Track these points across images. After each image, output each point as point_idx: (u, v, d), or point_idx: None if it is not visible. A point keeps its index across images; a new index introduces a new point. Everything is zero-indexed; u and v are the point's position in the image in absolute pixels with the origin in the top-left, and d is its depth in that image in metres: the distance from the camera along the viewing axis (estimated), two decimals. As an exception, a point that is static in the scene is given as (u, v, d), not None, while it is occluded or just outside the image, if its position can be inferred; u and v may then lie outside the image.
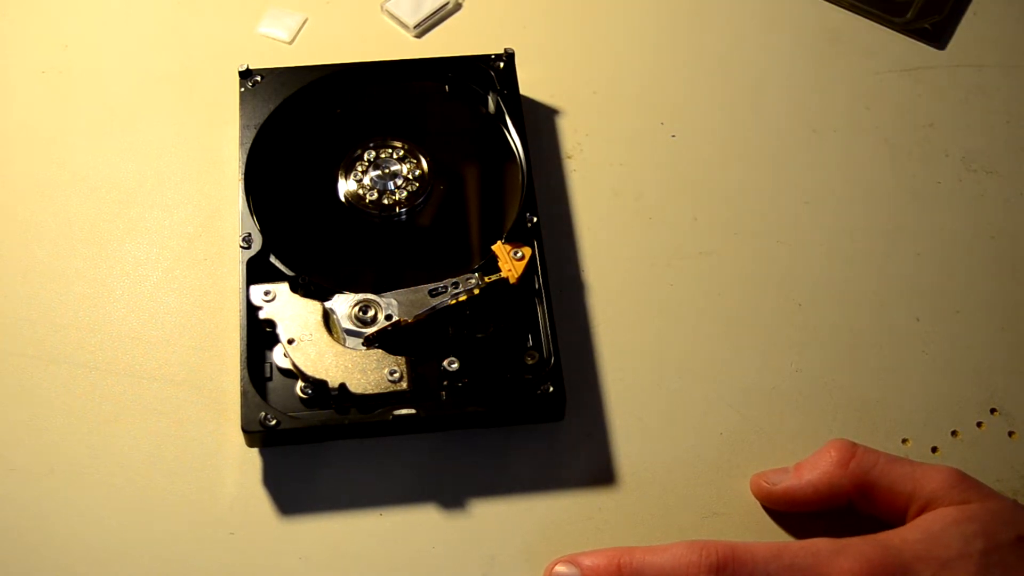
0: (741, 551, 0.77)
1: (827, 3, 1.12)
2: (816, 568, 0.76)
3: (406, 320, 0.87)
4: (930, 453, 0.90)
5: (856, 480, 0.82)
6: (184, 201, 0.97)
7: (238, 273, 0.88)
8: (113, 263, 0.94)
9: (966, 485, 0.80)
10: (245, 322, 0.86)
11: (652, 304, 0.95)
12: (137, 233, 0.96)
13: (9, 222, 0.95)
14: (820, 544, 0.77)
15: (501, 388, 0.87)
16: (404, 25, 1.07)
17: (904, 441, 0.91)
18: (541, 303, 0.89)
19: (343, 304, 0.87)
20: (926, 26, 1.10)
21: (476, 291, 0.88)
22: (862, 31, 1.10)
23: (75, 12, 1.07)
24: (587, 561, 0.81)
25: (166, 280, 0.94)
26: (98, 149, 1.00)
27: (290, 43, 1.06)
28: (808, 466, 0.84)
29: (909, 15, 1.11)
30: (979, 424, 0.92)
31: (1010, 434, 0.92)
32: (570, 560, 0.82)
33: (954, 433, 0.91)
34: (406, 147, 0.96)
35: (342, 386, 0.83)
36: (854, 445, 0.83)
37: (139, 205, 0.97)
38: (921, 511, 0.80)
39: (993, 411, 0.92)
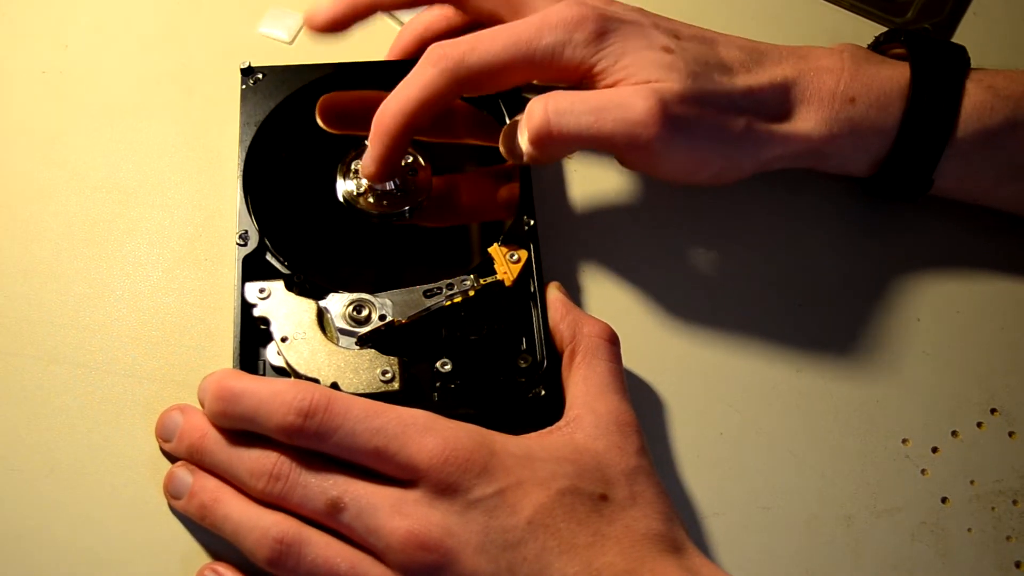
0: (338, 403, 0.77)
1: (827, 3, 1.12)
2: (401, 438, 0.76)
3: (400, 320, 0.87)
4: (930, 453, 0.90)
5: None
6: (185, 201, 0.98)
7: (234, 270, 0.89)
8: (113, 263, 0.94)
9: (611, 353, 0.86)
10: (239, 319, 0.87)
11: (650, 305, 0.95)
12: (138, 233, 0.96)
13: (9, 222, 0.96)
14: (417, 416, 0.78)
15: (493, 391, 0.87)
16: (403, 24, 1.07)
17: (904, 441, 0.91)
18: (536, 306, 0.89)
19: (337, 303, 0.87)
20: (926, 26, 1.10)
21: (471, 293, 0.88)
22: (863, 31, 1.10)
23: (75, 12, 1.07)
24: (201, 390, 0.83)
25: (167, 280, 0.94)
26: (98, 149, 1.00)
27: (290, 43, 1.07)
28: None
29: (909, 15, 1.11)
30: (979, 424, 0.92)
31: (1010, 434, 0.92)
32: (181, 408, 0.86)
33: (954, 433, 0.91)
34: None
35: (334, 385, 0.83)
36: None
37: (140, 205, 0.97)
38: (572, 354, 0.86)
39: (993, 411, 0.92)
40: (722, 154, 0.90)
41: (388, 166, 0.92)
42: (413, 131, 0.90)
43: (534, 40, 0.89)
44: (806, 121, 0.91)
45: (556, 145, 0.88)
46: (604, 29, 0.89)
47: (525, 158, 0.89)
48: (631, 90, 0.87)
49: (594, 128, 0.86)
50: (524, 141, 0.88)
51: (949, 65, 0.93)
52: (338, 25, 0.97)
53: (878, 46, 0.99)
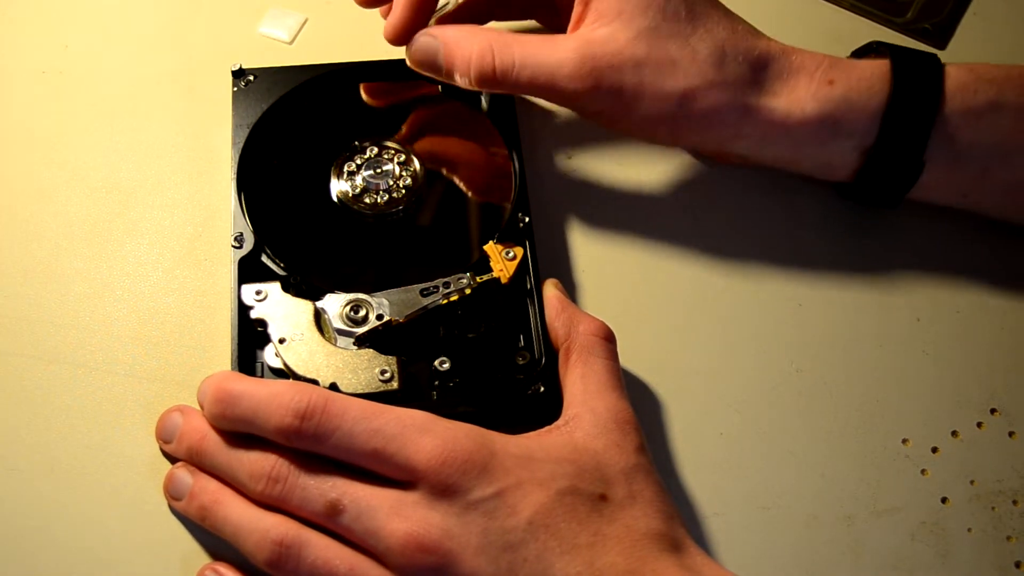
0: (336, 404, 0.77)
1: (827, 3, 1.12)
2: (400, 439, 0.76)
3: (397, 320, 0.87)
4: (930, 453, 0.90)
5: None
6: (184, 201, 0.98)
7: (230, 273, 0.89)
8: (113, 263, 0.94)
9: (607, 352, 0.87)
10: (236, 321, 0.87)
11: (649, 304, 0.95)
12: (137, 233, 0.96)
13: (9, 222, 0.96)
14: (416, 417, 0.78)
15: (492, 388, 0.87)
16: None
17: (904, 441, 0.91)
18: (532, 303, 0.89)
19: (334, 304, 0.87)
20: (926, 26, 1.10)
21: (468, 291, 0.88)
22: (863, 31, 1.10)
23: (75, 12, 1.07)
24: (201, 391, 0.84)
25: (166, 280, 0.94)
26: (98, 149, 1.00)
27: (290, 43, 1.07)
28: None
29: (909, 15, 1.11)
30: (979, 424, 0.92)
31: (1010, 434, 0.91)
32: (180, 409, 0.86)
33: (954, 433, 0.91)
34: (400, 147, 0.96)
35: (333, 385, 0.83)
36: None
37: (139, 205, 0.97)
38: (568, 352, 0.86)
39: (993, 411, 0.92)
40: (657, 110, 0.91)
41: (411, 14, 0.94)
42: None
43: None
44: (778, 97, 0.91)
45: (491, 84, 0.91)
46: None
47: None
48: (566, 41, 0.90)
49: (523, 72, 0.89)
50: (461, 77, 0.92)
51: (927, 58, 0.93)
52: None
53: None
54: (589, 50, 0.88)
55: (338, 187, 0.95)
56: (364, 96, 1.00)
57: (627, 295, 0.95)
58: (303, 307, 0.87)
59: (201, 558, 0.83)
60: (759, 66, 0.91)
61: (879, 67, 0.92)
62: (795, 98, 0.91)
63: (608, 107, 0.90)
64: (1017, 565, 0.87)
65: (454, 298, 0.88)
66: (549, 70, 0.88)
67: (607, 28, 0.89)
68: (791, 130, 0.91)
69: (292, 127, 0.98)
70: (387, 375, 0.84)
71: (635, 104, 0.89)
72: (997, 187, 0.95)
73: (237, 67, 0.98)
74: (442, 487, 0.75)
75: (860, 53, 0.98)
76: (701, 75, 0.89)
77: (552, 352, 0.87)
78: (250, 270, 0.89)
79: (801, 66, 0.91)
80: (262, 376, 0.87)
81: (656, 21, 0.89)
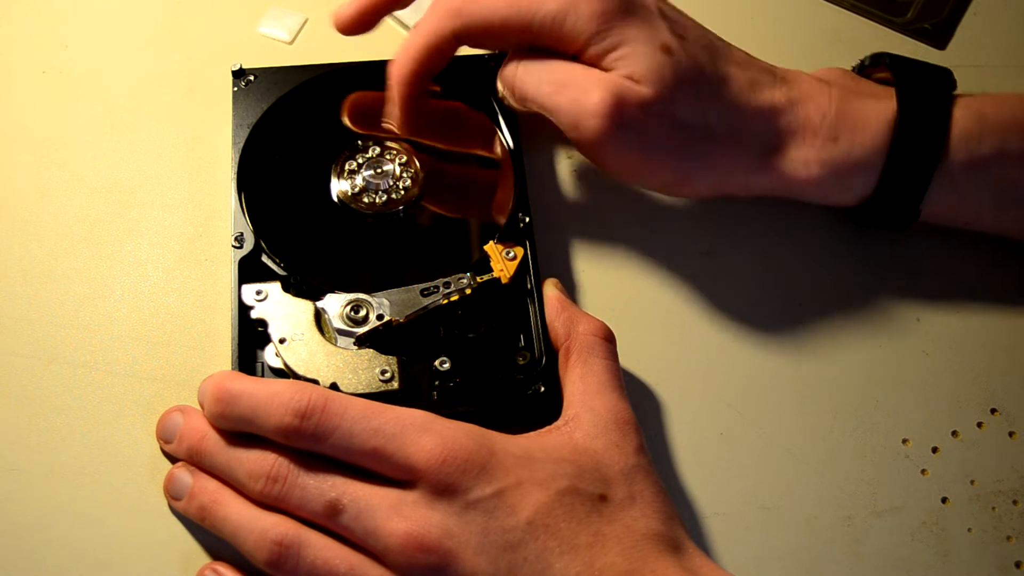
0: (335, 403, 0.77)
1: (827, 3, 1.11)
2: (399, 438, 0.76)
3: (397, 320, 0.87)
4: (930, 453, 0.90)
5: None
6: (184, 201, 0.98)
7: (230, 273, 0.89)
8: (113, 263, 0.94)
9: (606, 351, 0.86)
10: (236, 321, 0.86)
11: (649, 303, 0.95)
12: (137, 233, 0.96)
13: (9, 222, 0.96)
14: (416, 416, 0.78)
15: (492, 388, 0.87)
16: (404, 25, 1.07)
17: (904, 441, 0.90)
18: (533, 303, 0.89)
19: (334, 304, 0.87)
20: (926, 26, 1.10)
21: (468, 291, 0.88)
22: (862, 31, 1.10)
23: (75, 12, 1.07)
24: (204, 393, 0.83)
25: (166, 280, 0.94)
26: (98, 149, 1.00)
27: (290, 43, 1.07)
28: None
29: (909, 15, 1.11)
30: (979, 424, 0.92)
31: (1010, 434, 0.91)
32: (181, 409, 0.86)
33: (954, 433, 0.91)
34: (400, 147, 0.96)
35: (333, 385, 0.83)
36: None
37: (139, 205, 0.97)
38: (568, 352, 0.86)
39: (993, 411, 0.92)
40: (672, 167, 0.90)
41: (407, 111, 0.94)
42: (425, 77, 0.93)
43: (536, 3, 0.89)
44: (785, 161, 0.91)
45: (518, 98, 0.92)
46: (611, 6, 0.89)
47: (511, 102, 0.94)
48: (598, 78, 0.88)
49: (549, 100, 0.89)
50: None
51: (935, 92, 0.92)
52: (365, 23, 0.97)
53: (863, 69, 0.98)
54: (618, 90, 0.87)
55: (338, 187, 0.95)
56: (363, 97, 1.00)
57: (627, 295, 0.95)
58: (303, 307, 0.87)
59: (201, 558, 0.83)
60: (765, 127, 0.91)
61: (885, 112, 0.91)
62: (801, 158, 0.91)
63: (624, 147, 0.89)
64: (1017, 565, 0.87)
65: (454, 298, 0.88)
66: (580, 99, 0.88)
67: (622, 80, 0.89)
68: (797, 187, 0.92)
69: (292, 127, 0.98)
70: (387, 375, 0.84)
71: (658, 149, 0.90)
72: (998, 225, 0.95)
73: (237, 67, 0.98)
74: (442, 486, 0.75)
75: (875, 60, 0.98)
76: (723, 135, 0.90)
77: (552, 352, 0.87)
78: (250, 270, 0.89)
79: (806, 123, 0.91)
80: (262, 376, 0.86)
81: (670, 88, 0.89)
